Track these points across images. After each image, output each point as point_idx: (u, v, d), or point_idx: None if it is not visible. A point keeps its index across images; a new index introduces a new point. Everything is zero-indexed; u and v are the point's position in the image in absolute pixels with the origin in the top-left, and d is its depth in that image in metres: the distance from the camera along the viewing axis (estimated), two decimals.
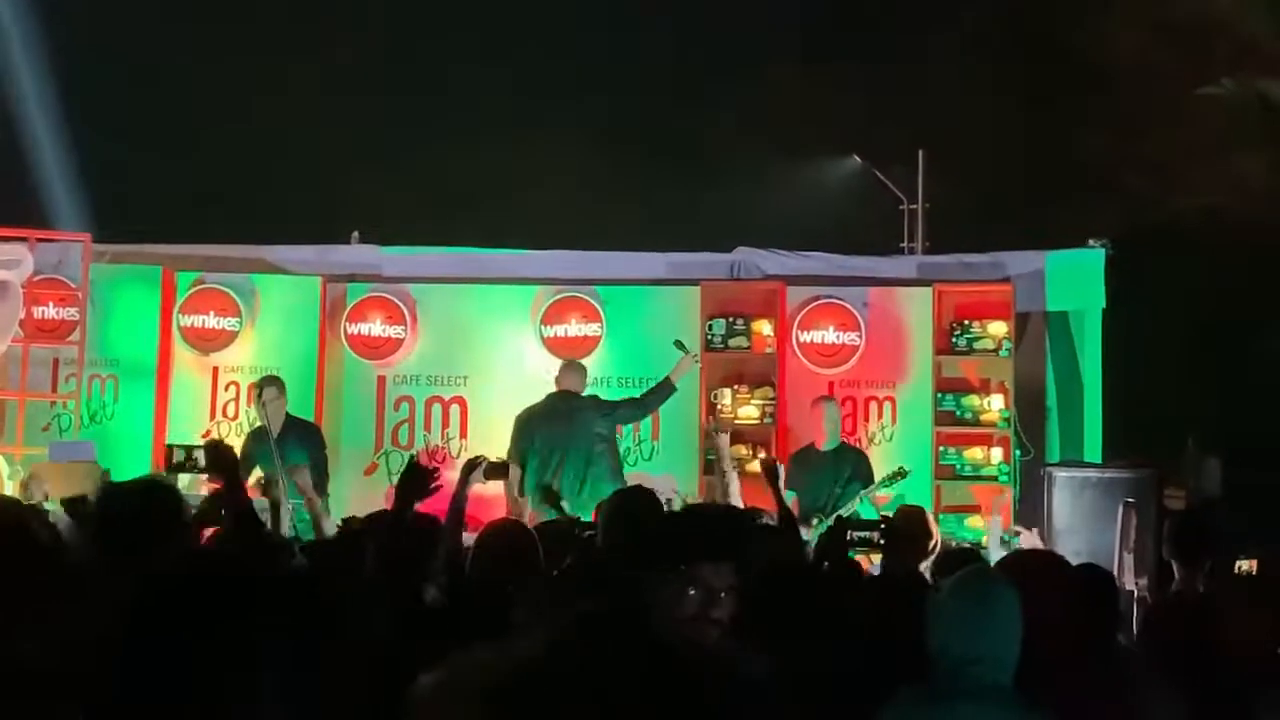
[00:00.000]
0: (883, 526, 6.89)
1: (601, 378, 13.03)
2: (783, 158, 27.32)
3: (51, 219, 13.01)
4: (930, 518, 8.78)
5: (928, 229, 27.04)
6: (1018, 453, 12.58)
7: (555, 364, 12.65)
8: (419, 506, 5.84)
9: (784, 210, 24.40)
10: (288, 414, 11.84)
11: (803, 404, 12.55)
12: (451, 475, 7.26)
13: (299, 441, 11.55)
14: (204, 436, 12.95)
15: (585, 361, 12.83)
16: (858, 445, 12.39)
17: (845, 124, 27.17)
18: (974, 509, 12.52)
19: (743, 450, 12.59)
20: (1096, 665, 4.73)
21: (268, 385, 11.74)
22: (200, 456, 7.17)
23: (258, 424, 11.66)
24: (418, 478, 5.81)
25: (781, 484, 7.87)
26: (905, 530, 7.88)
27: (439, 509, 6.47)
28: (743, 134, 26.52)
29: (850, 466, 11.77)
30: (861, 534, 6.88)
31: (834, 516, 10.31)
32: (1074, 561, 5.89)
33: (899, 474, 11.47)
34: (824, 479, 11.64)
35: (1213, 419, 12.61)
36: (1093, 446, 12.93)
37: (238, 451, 11.39)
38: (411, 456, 6.13)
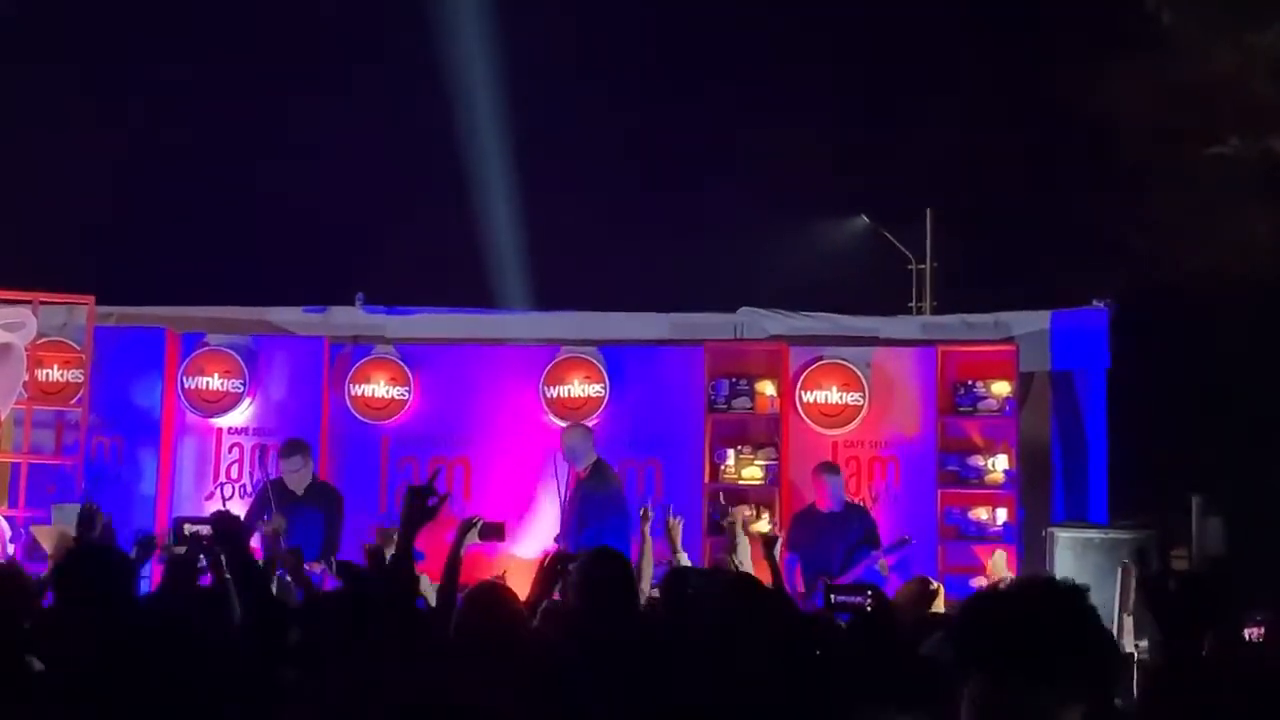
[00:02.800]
0: (870, 593, 6.82)
1: (605, 438, 13.02)
2: (791, 218, 27.38)
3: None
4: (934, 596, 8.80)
5: (936, 288, 27.08)
6: (1022, 513, 12.54)
7: (560, 424, 12.67)
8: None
9: (793, 270, 24.43)
10: (314, 477, 11.91)
11: (807, 465, 12.51)
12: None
13: (318, 504, 11.61)
14: (207, 498, 12.99)
15: (588, 423, 12.86)
16: (861, 504, 12.33)
17: (853, 184, 27.24)
18: (980, 570, 12.45)
19: (746, 511, 12.56)
20: None
21: (294, 453, 11.79)
22: (206, 529, 7.20)
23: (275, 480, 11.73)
24: (416, 498, 5.72)
25: (778, 552, 7.81)
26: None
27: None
28: (750, 194, 26.58)
29: (859, 529, 11.71)
30: (846, 599, 6.82)
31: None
32: None
33: (902, 543, 11.45)
34: (830, 541, 11.58)
35: (1217, 479, 12.55)
36: (1098, 506, 12.86)
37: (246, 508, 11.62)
38: (408, 484, 6.01)
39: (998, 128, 23.83)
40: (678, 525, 8.92)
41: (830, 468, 12.14)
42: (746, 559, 10.57)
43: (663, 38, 27.11)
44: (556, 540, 11.57)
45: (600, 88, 25.90)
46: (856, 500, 12.43)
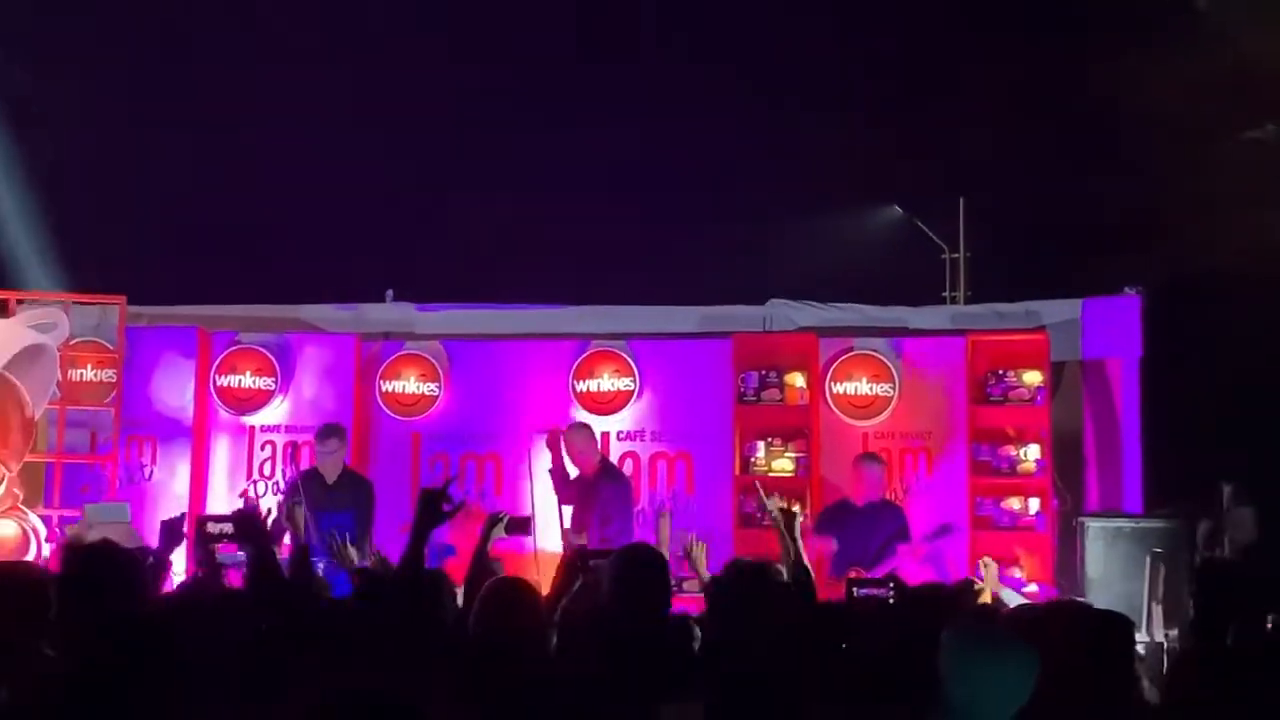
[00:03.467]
0: (892, 585, 6.80)
1: (634, 431, 13.06)
2: (823, 209, 27.30)
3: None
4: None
5: (969, 278, 26.96)
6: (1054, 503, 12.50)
7: (590, 419, 12.69)
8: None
9: (825, 261, 24.35)
10: (345, 466, 11.96)
11: (837, 457, 12.50)
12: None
13: (348, 494, 11.65)
14: (241, 495, 13.04)
15: (618, 416, 12.90)
16: (893, 500, 12.28)
17: (886, 174, 27.14)
18: (1013, 560, 12.40)
19: (780, 501, 12.51)
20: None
21: (329, 436, 11.87)
22: (229, 527, 7.26)
23: (305, 472, 11.77)
24: (431, 502, 5.73)
25: (798, 531, 7.75)
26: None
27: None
28: (782, 185, 26.53)
29: (892, 524, 11.66)
30: (868, 591, 6.79)
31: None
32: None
33: (944, 530, 11.40)
34: (862, 535, 11.54)
35: (1249, 468, 12.44)
36: (1131, 495, 12.80)
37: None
38: (423, 488, 6.00)
39: (1030, 116, 23.71)
40: (702, 551, 8.89)
41: (872, 458, 12.12)
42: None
43: (687, 27, 27.06)
44: (566, 536, 11.49)
45: (630, 78, 25.88)
46: (889, 494, 12.39)
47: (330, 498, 11.56)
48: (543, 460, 12.44)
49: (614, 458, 12.84)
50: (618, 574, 5.91)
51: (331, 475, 11.85)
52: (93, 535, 10.68)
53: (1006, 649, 4.31)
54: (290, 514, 10.10)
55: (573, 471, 12.19)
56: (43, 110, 20.58)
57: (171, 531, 7.48)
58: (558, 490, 12.15)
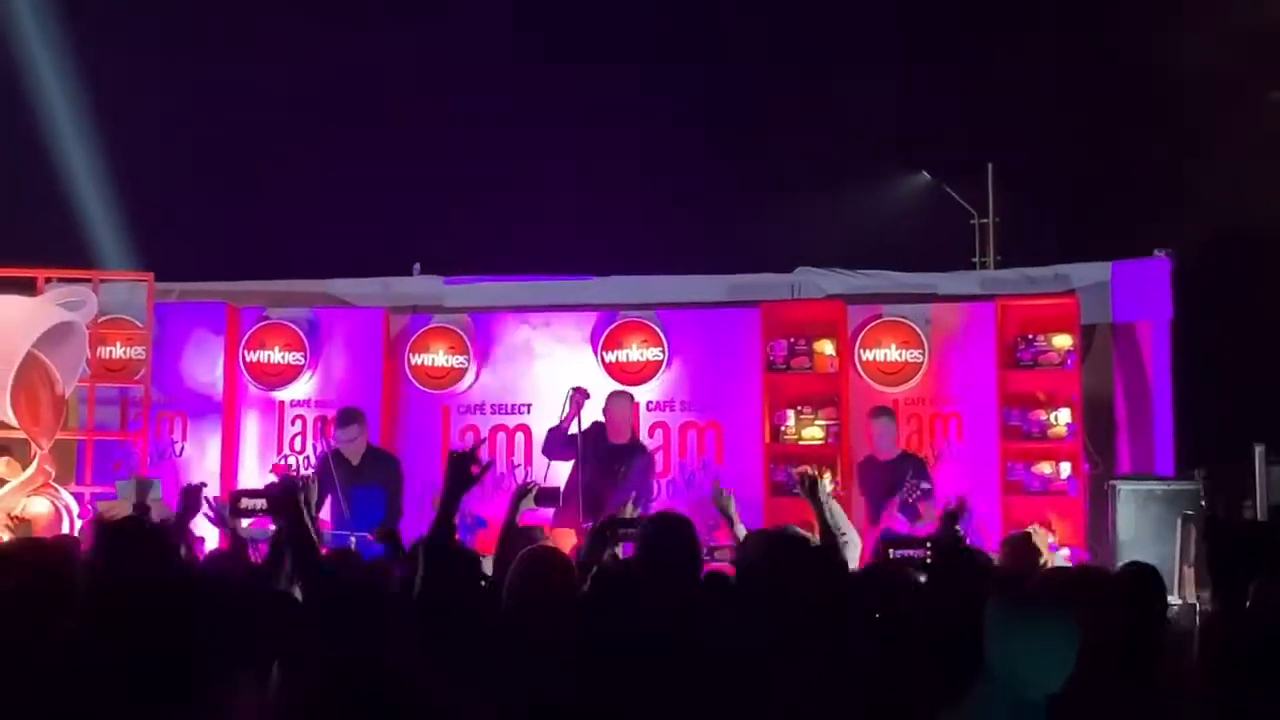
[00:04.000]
0: (929, 545, 6.72)
1: (663, 401, 13.04)
2: (852, 175, 27.21)
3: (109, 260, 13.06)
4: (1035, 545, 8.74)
5: (999, 243, 26.85)
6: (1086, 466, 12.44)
7: (619, 389, 12.63)
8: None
9: (854, 228, 24.28)
10: (369, 445, 11.94)
11: (867, 423, 12.45)
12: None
13: (374, 472, 11.63)
14: (274, 470, 13.05)
15: (647, 386, 12.87)
16: (917, 454, 12.19)
17: (913, 140, 27.05)
18: (1044, 524, 12.35)
19: (809, 469, 12.50)
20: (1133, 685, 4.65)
21: (349, 423, 11.80)
22: (262, 502, 7.27)
23: (334, 450, 11.76)
24: (460, 465, 5.71)
25: (823, 494, 7.69)
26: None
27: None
28: (809, 151, 26.43)
29: (910, 470, 11.57)
30: (905, 553, 6.72)
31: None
32: None
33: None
34: (884, 491, 11.50)
35: None
36: (1163, 458, 12.74)
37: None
38: (451, 450, 5.98)
39: (1059, 79, 23.59)
40: (731, 501, 8.85)
41: (881, 411, 12.07)
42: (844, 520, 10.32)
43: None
44: (582, 506, 11.33)
45: (660, 49, 25.81)
46: (913, 451, 12.35)
47: (358, 477, 11.54)
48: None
49: (644, 428, 12.83)
50: (651, 542, 5.90)
51: (355, 458, 11.77)
52: (119, 511, 10.76)
53: (1053, 618, 4.27)
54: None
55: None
56: (76, 90, 20.63)
57: (189, 498, 7.50)
58: (553, 448, 11.89)
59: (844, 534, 7.57)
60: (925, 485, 11.19)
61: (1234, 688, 5.07)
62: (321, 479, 11.46)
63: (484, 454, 5.92)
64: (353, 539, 10.18)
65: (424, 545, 5.42)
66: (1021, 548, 8.63)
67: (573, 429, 11.43)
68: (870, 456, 11.96)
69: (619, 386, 12.61)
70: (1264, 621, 5.50)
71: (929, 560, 6.50)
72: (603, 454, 11.60)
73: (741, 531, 8.45)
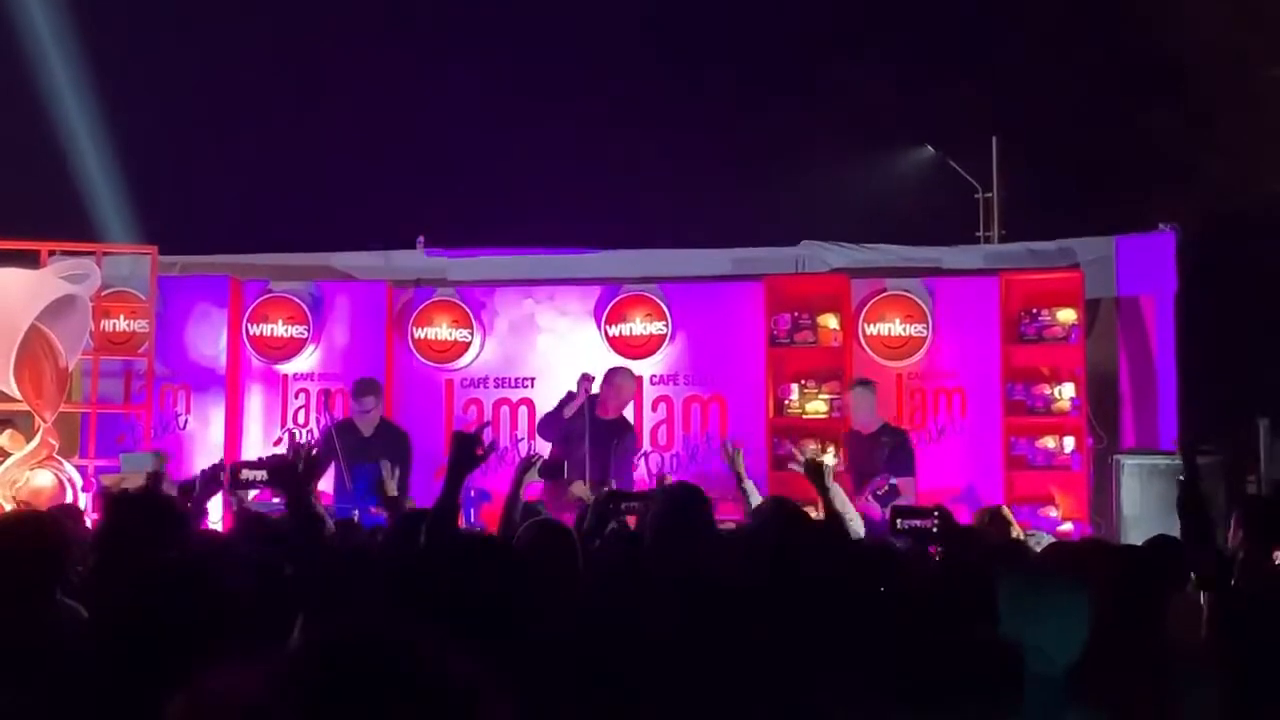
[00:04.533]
0: (937, 515, 6.66)
1: (667, 375, 13.04)
2: (855, 149, 27.17)
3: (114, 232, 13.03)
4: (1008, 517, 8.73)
5: (1003, 217, 26.80)
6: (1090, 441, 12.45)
7: (622, 362, 12.63)
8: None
9: (858, 202, 24.26)
10: (382, 418, 11.95)
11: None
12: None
13: (383, 446, 11.61)
14: (275, 444, 13.05)
15: (651, 360, 12.86)
16: (899, 427, 12.10)
17: (917, 114, 27.00)
18: (1048, 499, 12.38)
19: (812, 445, 12.53)
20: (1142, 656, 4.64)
21: (366, 393, 11.83)
22: (262, 474, 7.27)
23: (340, 422, 11.77)
24: (465, 445, 5.70)
25: (828, 479, 7.68)
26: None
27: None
28: (812, 126, 26.38)
29: (886, 452, 11.50)
30: (912, 522, 6.66)
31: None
32: None
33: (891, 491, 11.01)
34: (863, 465, 11.46)
35: None
36: (1167, 432, 12.73)
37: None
38: (456, 430, 5.95)
39: (1064, 52, 23.53)
40: (739, 455, 8.82)
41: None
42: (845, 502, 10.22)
43: None
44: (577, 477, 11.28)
45: (662, 21, 25.73)
46: (921, 431, 12.35)
47: (366, 450, 11.54)
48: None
49: (647, 402, 12.86)
50: (667, 515, 5.91)
51: (368, 430, 11.83)
52: (130, 483, 10.76)
53: (1065, 593, 4.27)
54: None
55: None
56: (77, 64, 20.60)
57: (210, 479, 7.50)
58: (548, 429, 11.89)
59: (850, 518, 7.58)
60: (893, 480, 11.04)
61: (1238, 659, 5.08)
62: (324, 451, 11.49)
63: (488, 435, 5.89)
64: (355, 512, 10.18)
65: (426, 524, 5.40)
66: (996, 521, 8.62)
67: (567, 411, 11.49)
68: (853, 430, 11.91)
69: (622, 360, 12.60)
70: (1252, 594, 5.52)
71: (936, 529, 6.45)
72: (594, 429, 11.56)
73: (750, 487, 8.48)
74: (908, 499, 10.70)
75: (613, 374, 11.99)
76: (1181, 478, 6.77)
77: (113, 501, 5.40)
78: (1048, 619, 4.20)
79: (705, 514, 6.00)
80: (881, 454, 11.42)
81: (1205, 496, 6.36)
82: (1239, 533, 6.71)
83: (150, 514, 5.16)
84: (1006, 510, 9.29)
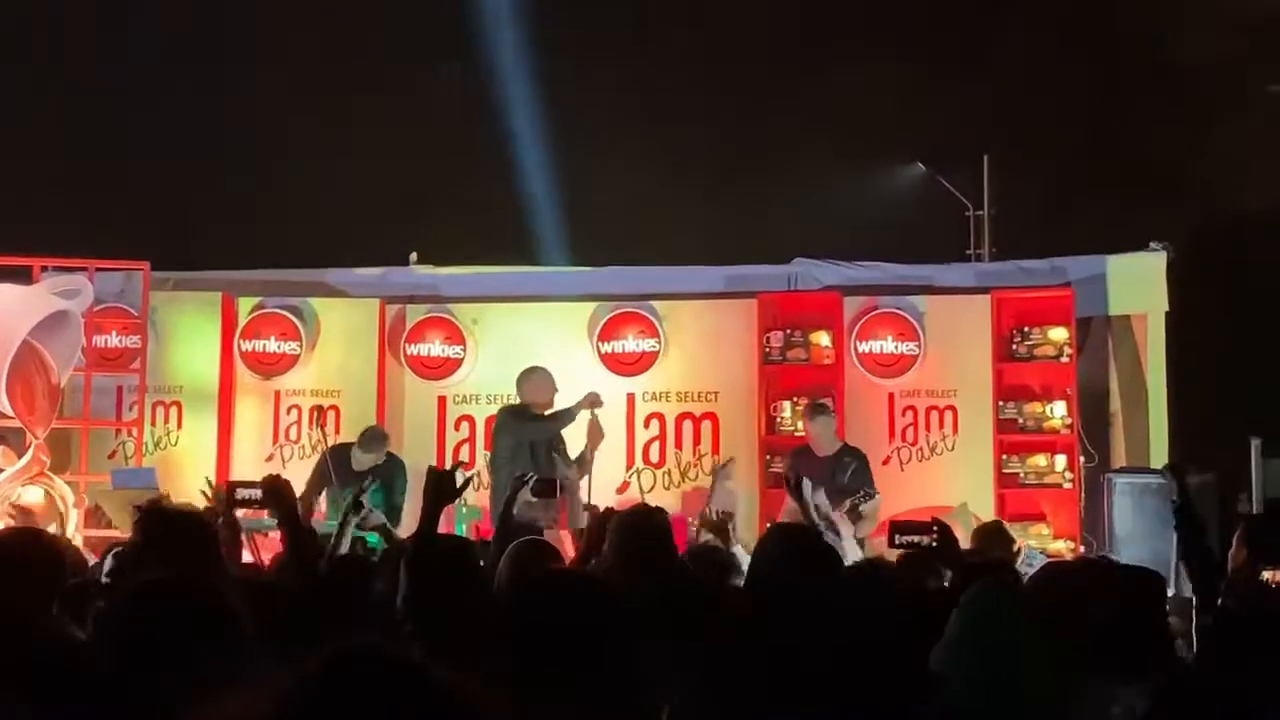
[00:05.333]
0: (935, 529, 6.58)
1: (659, 392, 13.05)
2: (845, 166, 27.18)
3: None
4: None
5: (994, 234, 26.83)
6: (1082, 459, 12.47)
7: (615, 381, 12.69)
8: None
9: (848, 219, 24.26)
10: (389, 453, 11.91)
11: (863, 415, 12.48)
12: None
13: (385, 473, 11.55)
14: (267, 460, 13.05)
15: (643, 377, 12.87)
16: (856, 448, 11.92)
17: (908, 131, 27.01)
18: (1039, 517, 12.40)
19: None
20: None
21: (371, 448, 11.73)
22: (257, 493, 7.26)
23: (333, 445, 11.76)
24: (442, 481, 5.70)
25: (807, 493, 7.70)
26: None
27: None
28: (803, 143, 26.40)
29: (846, 471, 11.38)
30: (910, 537, 6.56)
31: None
32: None
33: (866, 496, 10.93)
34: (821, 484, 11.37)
35: (1278, 421, 12.41)
36: (1159, 452, 12.75)
37: (308, 472, 11.61)
38: (430, 467, 5.94)
39: (1055, 69, 23.58)
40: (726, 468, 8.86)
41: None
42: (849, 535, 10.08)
43: None
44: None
45: (655, 38, 25.76)
46: (915, 452, 12.37)
47: (359, 478, 11.48)
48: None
49: (639, 419, 12.88)
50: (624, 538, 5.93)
51: (361, 467, 11.69)
52: (115, 504, 10.74)
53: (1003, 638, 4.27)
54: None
55: None
56: (67, 77, 20.61)
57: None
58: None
59: (834, 524, 7.59)
60: (874, 493, 11.00)
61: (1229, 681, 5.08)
62: (320, 475, 11.47)
63: (462, 476, 5.87)
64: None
65: (405, 558, 5.38)
66: (995, 536, 8.62)
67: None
68: (806, 447, 11.83)
69: (616, 377, 12.65)
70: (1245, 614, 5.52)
71: (935, 544, 6.39)
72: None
73: (729, 504, 8.50)
74: (873, 516, 10.72)
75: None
76: (1174, 499, 6.75)
77: (150, 518, 5.35)
78: (986, 647, 4.22)
79: (664, 537, 6.00)
80: (845, 473, 11.36)
81: (1197, 513, 6.37)
82: (1241, 551, 6.70)
83: (188, 531, 5.12)
84: (1006, 526, 9.31)
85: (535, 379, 12.02)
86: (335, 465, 11.21)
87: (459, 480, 5.68)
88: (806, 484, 7.72)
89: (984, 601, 4.39)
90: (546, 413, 11.73)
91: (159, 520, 5.31)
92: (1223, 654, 5.07)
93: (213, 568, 4.86)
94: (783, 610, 4.88)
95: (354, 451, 11.73)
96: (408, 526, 10.41)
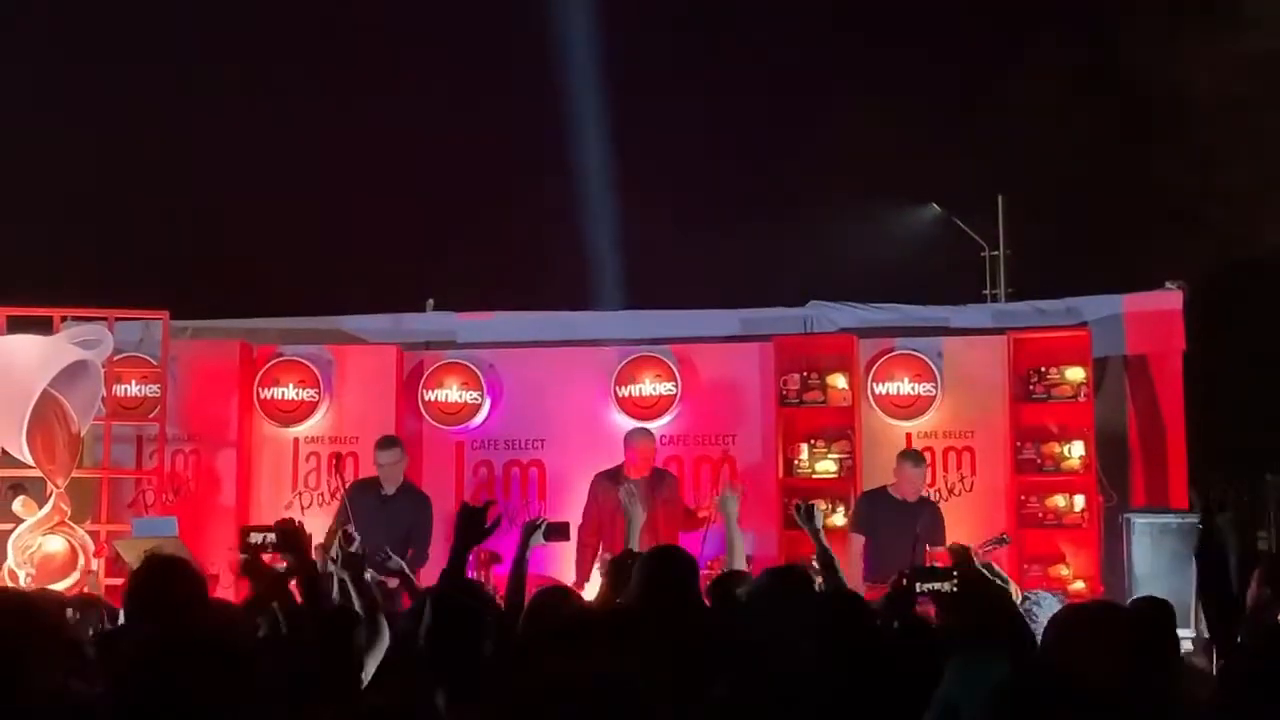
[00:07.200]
0: (956, 575, 6.54)
1: (677, 436, 13.05)
2: (862, 208, 27.25)
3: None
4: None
5: (1010, 275, 26.87)
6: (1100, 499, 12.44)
7: (632, 424, 12.70)
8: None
9: (865, 261, 24.30)
10: (405, 479, 11.97)
11: (880, 457, 12.46)
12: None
13: (406, 509, 11.62)
14: (286, 507, 13.07)
15: (661, 421, 12.89)
16: (932, 499, 12.08)
17: (923, 173, 27.09)
18: (1059, 557, 12.37)
19: (822, 505, 12.53)
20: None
21: (391, 445, 11.88)
22: (272, 537, 7.28)
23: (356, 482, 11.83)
24: (473, 519, 5.71)
25: (819, 524, 7.71)
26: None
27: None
28: (819, 186, 26.49)
29: (928, 521, 11.41)
30: (932, 585, 6.51)
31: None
32: None
33: (1000, 541, 10.96)
34: (901, 530, 11.34)
35: None
36: (1178, 490, 12.73)
37: (328, 519, 11.64)
38: (464, 503, 5.97)
39: (1069, 108, 23.64)
40: (734, 499, 8.84)
41: (911, 457, 11.86)
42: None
43: (726, 30, 27.04)
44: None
45: (667, 82, 25.87)
46: (931, 492, 12.34)
47: (386, 512, 11.52)
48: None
49: (658, 462, 12.86)
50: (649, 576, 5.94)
51: (390, 486, 11.81)
52: (136, 553, 10.74)
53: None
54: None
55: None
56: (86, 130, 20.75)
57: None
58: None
59: (833, 561, 7.56)
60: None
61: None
62: (341, 513, 11.48)
63: (494, 511, 5.90)
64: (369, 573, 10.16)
65: (431, 597, 5.40)
66: (960, 557, 8.44)
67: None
68: (884, 489, 11.83)
69: (634, 422, 12.67)
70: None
71: (955, 590, 6.38)
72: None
73: (737, 538, 8.49)
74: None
75: (632, 435, 12.09)
76: (1200, 524, 6.69)
77: (137, 571, 5.37)
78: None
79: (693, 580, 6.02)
80: (922, 523, 11.34)
81: (1223, 545, 6.32)
82: (1261, 590, 6.68)
83: (173, 582, 5.15)
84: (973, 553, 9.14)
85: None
86: (359, 501, 11.26)
87: (490, 518, 5.71)
88: (819, 514, 7.71)
89: None
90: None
91: (146, 575, 5.33)
92: (1244, 696, 5.07)
93: (199, 618, 4.88)
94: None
95: (377, 470, 11.87)
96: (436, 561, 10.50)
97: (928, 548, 10.73)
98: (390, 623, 6.19)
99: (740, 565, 9.01)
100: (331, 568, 7.49)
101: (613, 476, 11.89)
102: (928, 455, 12.60)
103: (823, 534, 7.57)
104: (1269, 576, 6.54)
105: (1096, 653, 4.43)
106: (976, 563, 7.97)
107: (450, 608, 5.21)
